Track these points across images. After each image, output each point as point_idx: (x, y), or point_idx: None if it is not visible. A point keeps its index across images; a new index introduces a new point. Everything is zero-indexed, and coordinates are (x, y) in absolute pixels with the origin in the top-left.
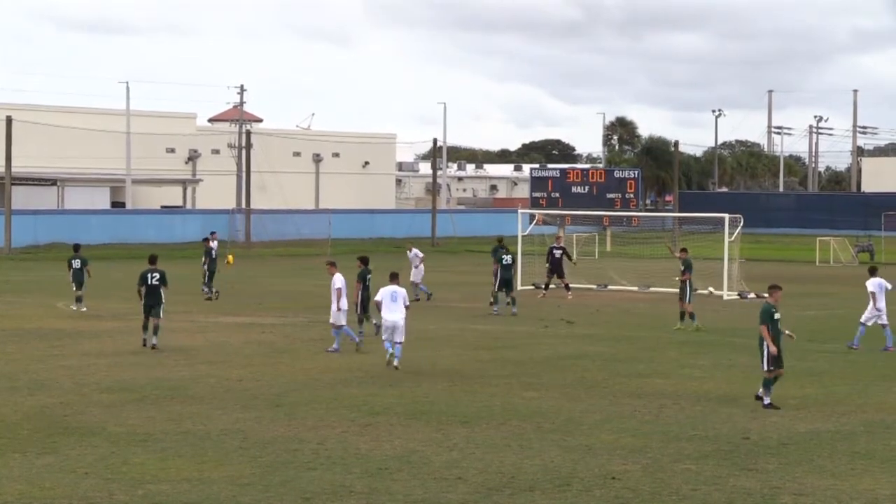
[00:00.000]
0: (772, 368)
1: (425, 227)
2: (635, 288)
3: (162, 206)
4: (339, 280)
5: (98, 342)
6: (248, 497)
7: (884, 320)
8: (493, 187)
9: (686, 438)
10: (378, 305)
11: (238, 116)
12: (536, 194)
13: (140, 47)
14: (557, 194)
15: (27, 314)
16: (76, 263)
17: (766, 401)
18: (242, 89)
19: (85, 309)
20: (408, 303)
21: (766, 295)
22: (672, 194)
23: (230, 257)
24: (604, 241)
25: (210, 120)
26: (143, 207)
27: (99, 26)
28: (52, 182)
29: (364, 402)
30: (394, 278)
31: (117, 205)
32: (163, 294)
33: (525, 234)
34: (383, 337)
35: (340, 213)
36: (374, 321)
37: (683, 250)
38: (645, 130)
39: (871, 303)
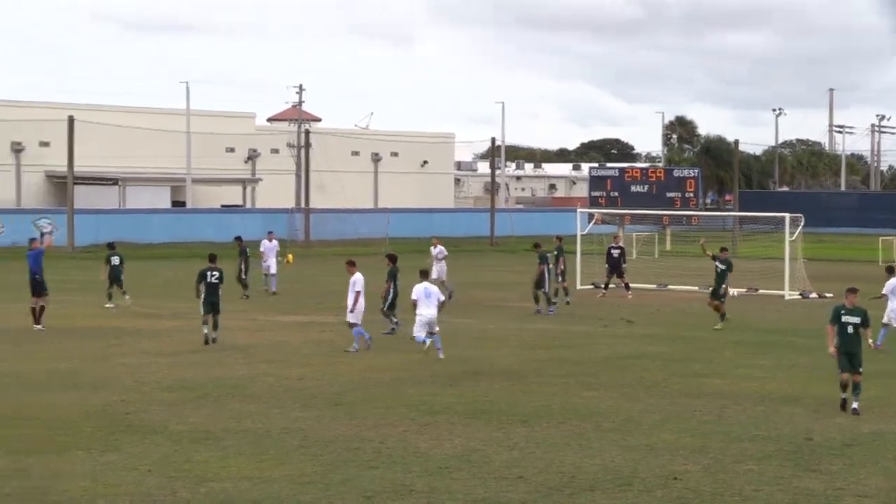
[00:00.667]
0: (842, 371)
1: (484, 227)
2: (695, 287)
3: (222, 206)
4: (359, 281)
5: (158, 341)
6: (309, 495)
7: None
8: (552, 186)
9: (748, 439)
10: (414, 304)
11: (297, 116)
12: (595, 193)
13: (201, 47)
14: (616, 193)
15: (88, 313)
16: (115, 260)
17: (853, 405)
18: (301, 89)
19: (129, 299)
20: (442, 298)
21: (828, 294)
22: (732, 194)
23: (290, 256)
24: (663, 240)
25: (269, 119)
26: (203, 207)
27: (161, 27)
28: (113, 181)
29: (424, 401)
30: (424, 275)
31: (178, 204)
32: (220, 292)
33: (584, 233)
34: (415, 332)
35: (399, 212)
36: (395, 320)
37: (724, 249)
38: (704, 129)
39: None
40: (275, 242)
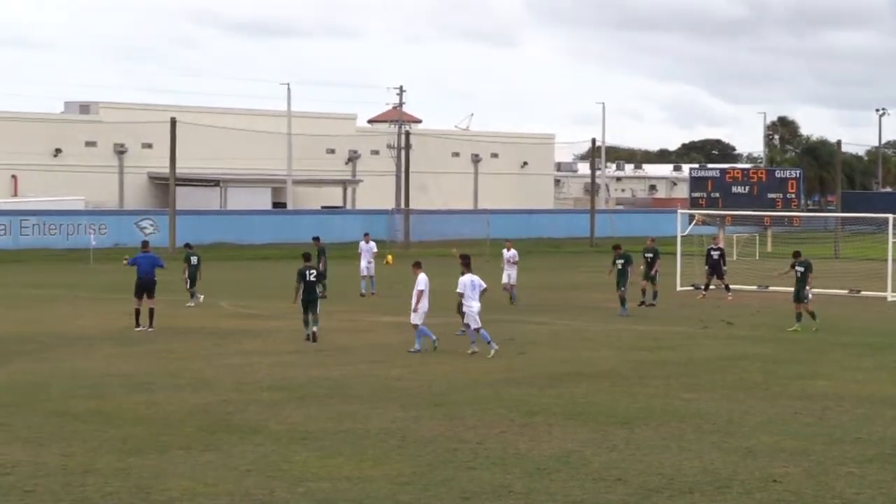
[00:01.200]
0: None
1: (584, 228)
2: None
3: (322, 207)
4: (421, 281)
5: (259, 341)
6: (408, 496)
7: None
8: (652, 187)
9: (850, 441)
10: (461, 296)
11: (397, 117)
12: (696, 194)
13: (301, 49)
14: (717, 194)
15: (190, 313)
16: (193, 260)
17: None
18: (401, 90)
19: (202, 298)
20: (485, 286)
21: None
22: (834, 194)
23: (389, 257)
24: (764, 241)
25: (370, 121)
26: (303, 208)
27: (261, 29)
28: (214, 183)
29: (523, 402)
30: (467, 266)
31: (278, 205)
32: (318, 290)
33: (684, 234)
34: (473, 324)
35: (499, 213)
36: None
37: (797, 253)
38: (808, 130)
39: None
40: (372, 244)
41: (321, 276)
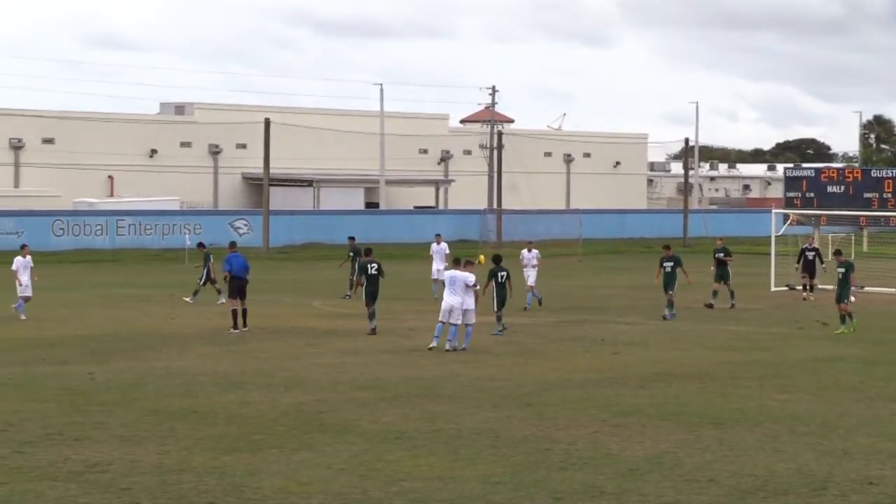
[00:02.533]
0: None
1: (677, 228)
2: (893, 290)
3: (415, 207)
4: (469, 278)
5: (352, 340)
6: (500, 496)
7: None
8: (746, 187)
9: None
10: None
11: (489, 117)
12: (790, 194)
13: (395, 49)
14: (812, 194)
15: (283, 313)
16: (212, 259)
17: None
18: (494, 90)
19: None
20: (470, 283)
21: None
22: None
23: (482, 257)
24: (860, 241)
25: (462, 121)
26: (396, 208)
27: (354, 29)
28: (308, 183)
29: (614, 402)
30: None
31: (371, 205)
32: (380, 283)
33: (779, 234)
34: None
35: (591, 213)
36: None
37: (838, 252)
38: None
39: None
40: (444, 245)
41: (381, 271)
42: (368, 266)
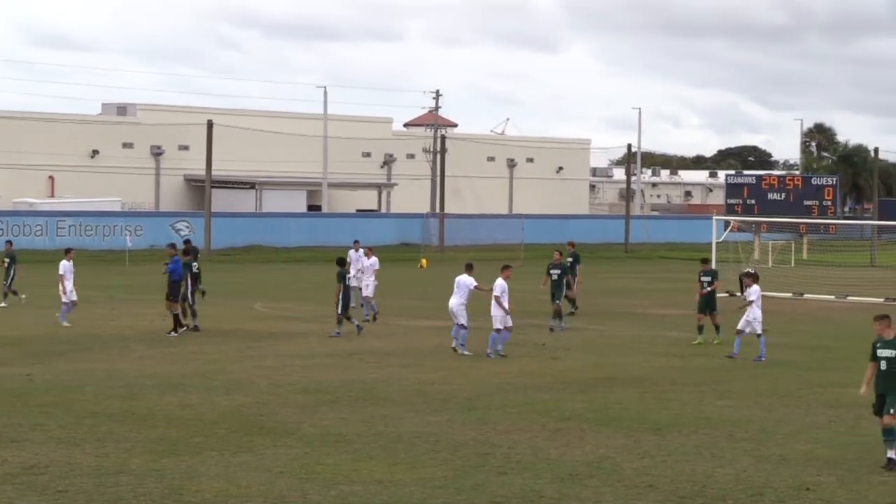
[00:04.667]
0: (876, 414)
1: (618, 234)
2: (831, 297)
3: (357, 210)
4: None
5: (293, 343)
6: (439, 500)
7: (758, 329)
8: (688, 193)
9: (884, 450)
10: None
11: (433, 121)
12: (731, 201)
13: (340, 52)
14: (753, 201)
15: (225, 315)
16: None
17: (890, 454)
18: (438, 94)
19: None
20: (471, 286)
21: None
22: (871, 202)
23: (423, 261)
24: (800, 249)
25: (406, 125)
26: (338, 211)
27: (301, 31)
28: (250, 185)
29: (555, 407)
30: (468, 268)
31: (313, 208)
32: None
33: (720, 240)
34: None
35: (533, 218)
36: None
37: (706, 261)
38: (848, 137)
39: (751, 310)
40: (374, 259)
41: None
42: (347, 276)
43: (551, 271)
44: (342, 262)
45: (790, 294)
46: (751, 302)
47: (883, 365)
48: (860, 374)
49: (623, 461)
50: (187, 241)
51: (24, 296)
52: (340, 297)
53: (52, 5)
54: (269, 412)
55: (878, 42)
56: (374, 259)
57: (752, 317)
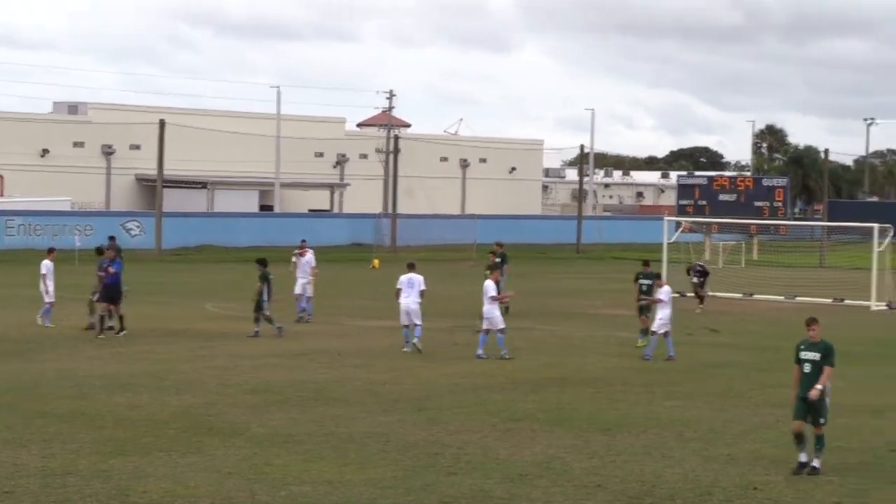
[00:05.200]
0: (793, 418)
1: (571, 234)
2: (781, 297)
3: (310, 210)
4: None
5: (244, 344)
6: (389, 500)
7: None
8: (640, 194)
9: (830, 450)
10: (397, 293)
11: (387, 121)
12: (683, 202)
13: (295, 52)
14: (704, 202)
15: (176, 315)
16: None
17: (802, 458)
18: (391, 94)
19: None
20: (423, 287)
21: None
22: (821, 203)
23: (376, 261)
24: (751, 249)
25: (359, 125)
26: (291, 211)
27: (256, 30)
28: (202, 185)
29: (505, 407)
30: (411, 267)
31: (266, 208)
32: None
33: (671, 241)
34: (403, 322)
35: (486, 218)
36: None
37: (646, 263)
38: (800, 138)
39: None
40: (309, 255)
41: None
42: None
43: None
44: (264, 262)
45: (740, 294)
46: (660, 300)
47: (807, 368)
48: None
49: (573, 461)
50: (112, 238)
51: None
52: (264, 296)
53: (5, 4)
54: (218, 412)
55: (831, 43)
56: (309, 256)
57: (661, 316)
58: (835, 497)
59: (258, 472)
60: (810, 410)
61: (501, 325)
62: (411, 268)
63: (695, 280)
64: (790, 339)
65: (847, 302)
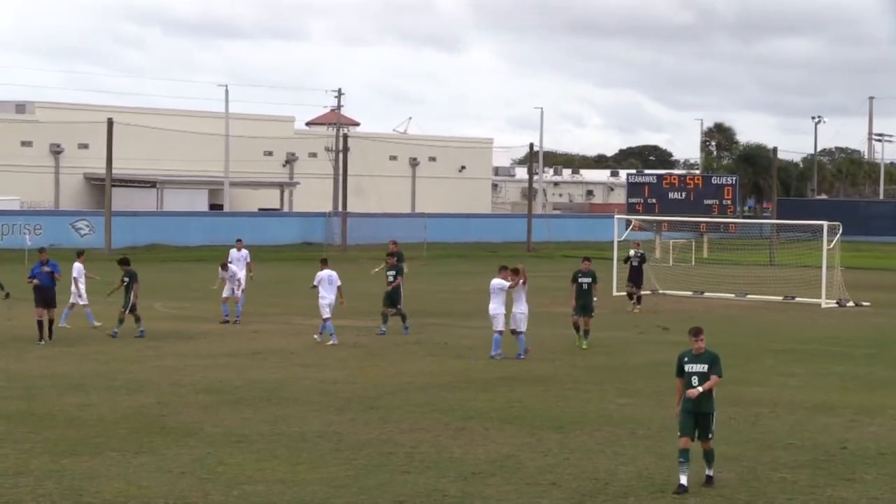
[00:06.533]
0: (679, 434)
1: (521, 232)
2: (731, 295)
3: (259, 209)
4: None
5: (193, 343)
6: (342, 499)
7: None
8: (590, 192)
9: (782, 447)
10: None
11: (335, 120)
12: (633, 200)
13: (243, 50)
14: (654, 200)
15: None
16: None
17: (683, 480)
18: (340, 93)
19: None
20: (339, 282)
21: (864, 303)
22: (770, 201)
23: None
24: (701, 247)
25: (308, 123)
26: (240, 210)
27: (205, 29)
28: (151, 184)
29: (458, 406)
30: (324, 263)
31: (215, 207)
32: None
33: (621, 239)
34: (324, 316)
35: (436, 216)
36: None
37: (587, 259)
38: (748, 136)
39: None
40: (244, 252)
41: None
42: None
43: (388, 273)
44: (127, 262)
45: (691, 292)
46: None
47: (694, 381)
48: (759, 373)
49: (526, 459)
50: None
51: None
52: (132, 295)
53: None
54: (170, 412)
55: (781, 42)
56: (244, 252)
57: (519, 311)
58: (787, 494)
59: (211, 471)
60: (697, 425)
61: (501, 327)
62: (325, 264)
63: (634, 264)
64: (740, 336)
65: (798, 299)
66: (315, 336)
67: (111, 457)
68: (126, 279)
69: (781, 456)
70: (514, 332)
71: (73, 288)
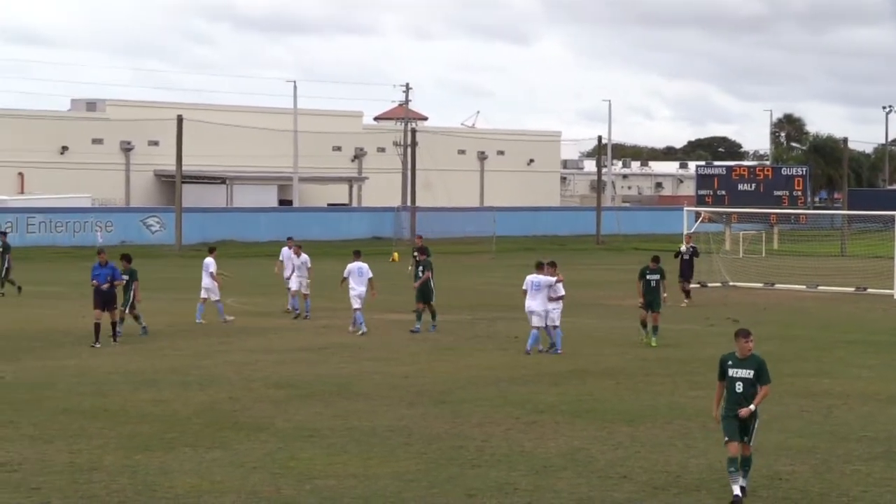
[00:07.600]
0: (727, 440)
1: (590, 225)
2: (803, 287)
3: (328, 204)
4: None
5: (264, 338)
6: (413, 493)
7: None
8: (659, 185)
9: (855, 439)
10: (343, 281)
11: (404, 115)
12: (702, 192)
13: (312, 45)
14: (723, 192)
15: (194, 311)
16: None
17: (736, 490)
18: (408, 87)
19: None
20: (370, 274)
21: None
22: (841, 192)
23: (395, 254)
24: (771, 239)
25: (376, 118)
26: (309, 205)
27: (273, 24)
28: (221, 180)
29: (528, 399)
30: (357, 255)
31: (284, 203)
32: None
33: (691, 231)
34: (354, 306)
35: (505, 210)
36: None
37: (656, 259)
38: (818, 127)
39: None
40: (304, 257)
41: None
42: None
43: (416, 268)
44: (129, 259)
45: (762, 284)
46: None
47: (738, 387)
48: (831, 364)
49: (597, 452)
50: (3, 234)
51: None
52: (131, 294)
53: (16, 1)
54: (241, 407)
55: (851, 32)
56: (304, 257)
57: (553, 307)
58: (861, 486)
59: (283, 466)
60: (739, 428)
61: (537, 323)
62: (357, 256)
63: (686, 258)
64: (812, 328)
65: (869, 291)
66: (349, 328)
67: (184, 452)
68: (126, 276)
69: (855, 448)
70: (553, 327)
71: (204, 283)
